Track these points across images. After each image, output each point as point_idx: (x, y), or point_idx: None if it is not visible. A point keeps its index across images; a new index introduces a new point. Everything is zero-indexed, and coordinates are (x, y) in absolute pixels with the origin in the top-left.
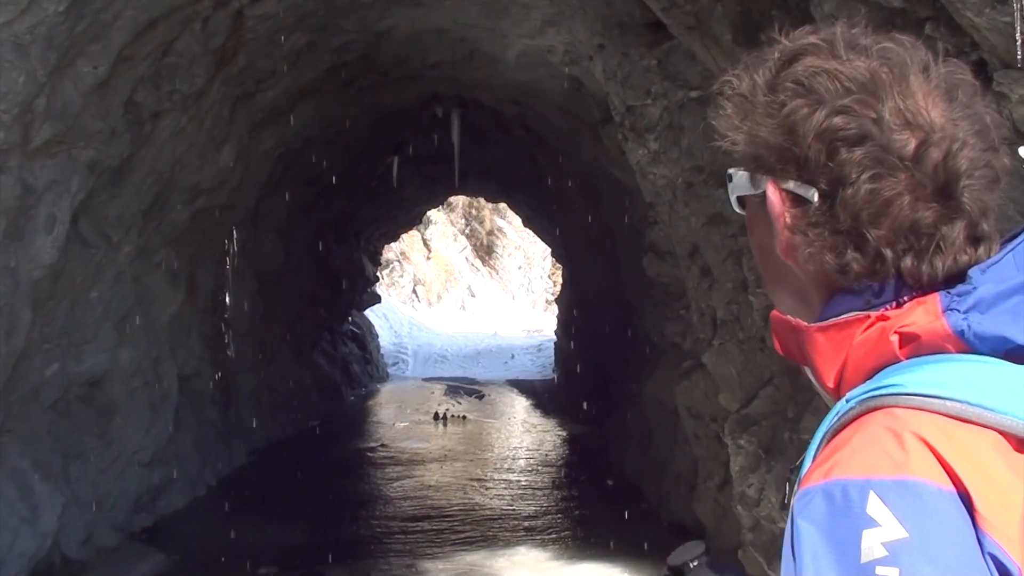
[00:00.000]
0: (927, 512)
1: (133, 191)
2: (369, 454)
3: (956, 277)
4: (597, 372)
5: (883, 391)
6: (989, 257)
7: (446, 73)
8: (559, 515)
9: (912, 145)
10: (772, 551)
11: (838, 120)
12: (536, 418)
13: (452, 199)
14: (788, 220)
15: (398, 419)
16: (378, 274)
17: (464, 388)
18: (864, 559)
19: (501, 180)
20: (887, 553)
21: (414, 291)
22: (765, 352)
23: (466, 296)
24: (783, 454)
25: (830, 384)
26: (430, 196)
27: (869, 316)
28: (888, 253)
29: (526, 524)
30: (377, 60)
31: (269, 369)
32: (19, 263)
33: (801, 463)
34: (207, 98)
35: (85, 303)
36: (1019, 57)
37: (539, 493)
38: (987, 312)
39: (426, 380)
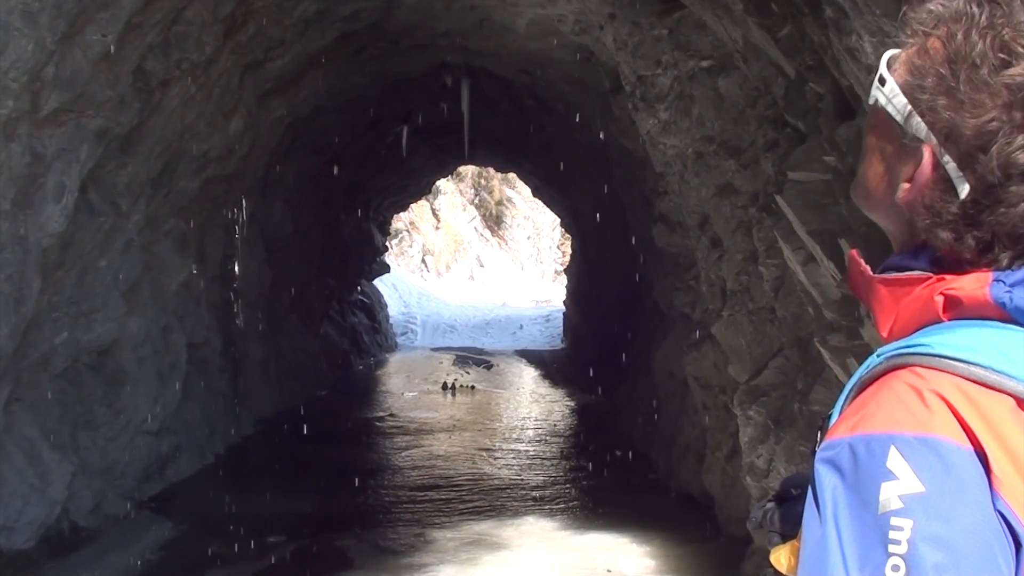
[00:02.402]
0: (945, 468)
1: (142, 160)
2: (377, 424)
3: None
4: (606, 342)
5: (911, 349)
6: None
7: (456, 42)
8: (567, 485)
9: None
10: None
11: (1017, 143)
12: (544, 388)
13: (461, 169)
14: (928, 198)
15: (407, 389)
16: (387, 244)
17: (473, 358)
18: (881, 510)
19: (510, 150)
20: (903, 505)
21: (423, 261)
22: (775, 323)
23: (475, 266)
24: (792, 425)
25: (884, 334)
26: (439, 166)
27: (930, 277)
28: (1002, 254)
29: (534, 494)
30: (387, 28)
31: (278, 338)
32: (28, 231)
33: (830, 414)
34: (216, 66)
35: (94, 271)
36: None
37: (547, 463)
38: None
39: (435, 350)
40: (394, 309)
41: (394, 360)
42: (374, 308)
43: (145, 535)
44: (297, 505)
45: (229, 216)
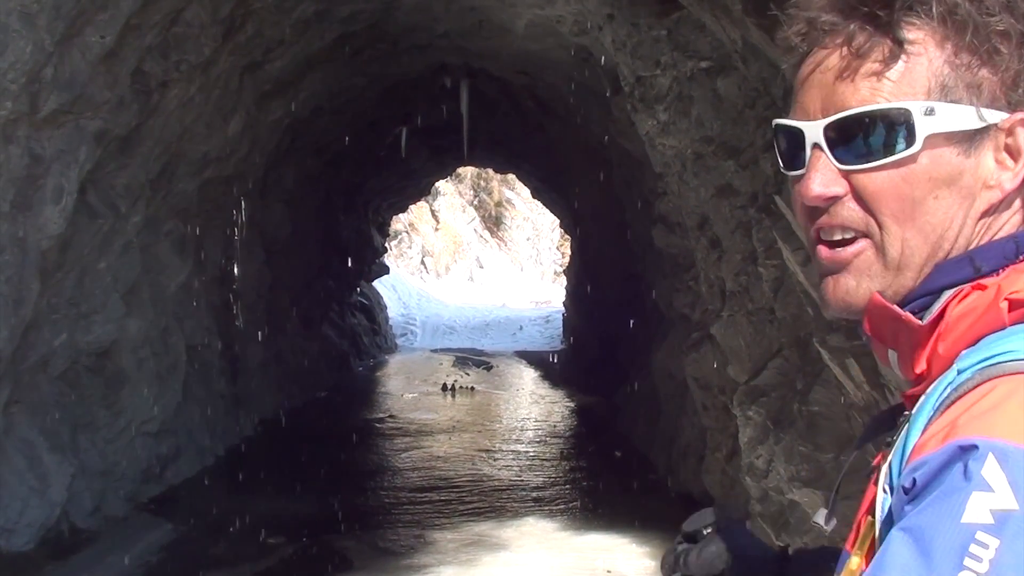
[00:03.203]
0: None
1: (141, 161)
2: (377, 425)
3: None
4: (605, 343)
5: (1002, 358)
6: None
7: (455, 43)
8: (567, 486)
9: None
10: (780, 522)
11: None
12: (544, 389)
13: (460, 170)
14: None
15: (406, 390)
16: (386, 245)
17: (472, 359)
18: (966, 519)
19: (510, 151)
20: (992, 521)
21: (422, 262)
22: (774, 324)
23: (474, 267)
24: (791, 425)
25: (919, 370)
26: (438, 167)
27: (962, 289)
28: None
29: (534, 495)
30: (386, 30)
31: (277, 340)
32: (27, 233)
33: (896, 437)
34: (215, 68)
35: (93, 273)
36: None
37: (547, 464)
38: None
39: (434, 351)
40: (393, 310)
41: (394, 361)
42: (373, 309)
43: (145, 537)
44: (297, 506)
45: (228, 218)
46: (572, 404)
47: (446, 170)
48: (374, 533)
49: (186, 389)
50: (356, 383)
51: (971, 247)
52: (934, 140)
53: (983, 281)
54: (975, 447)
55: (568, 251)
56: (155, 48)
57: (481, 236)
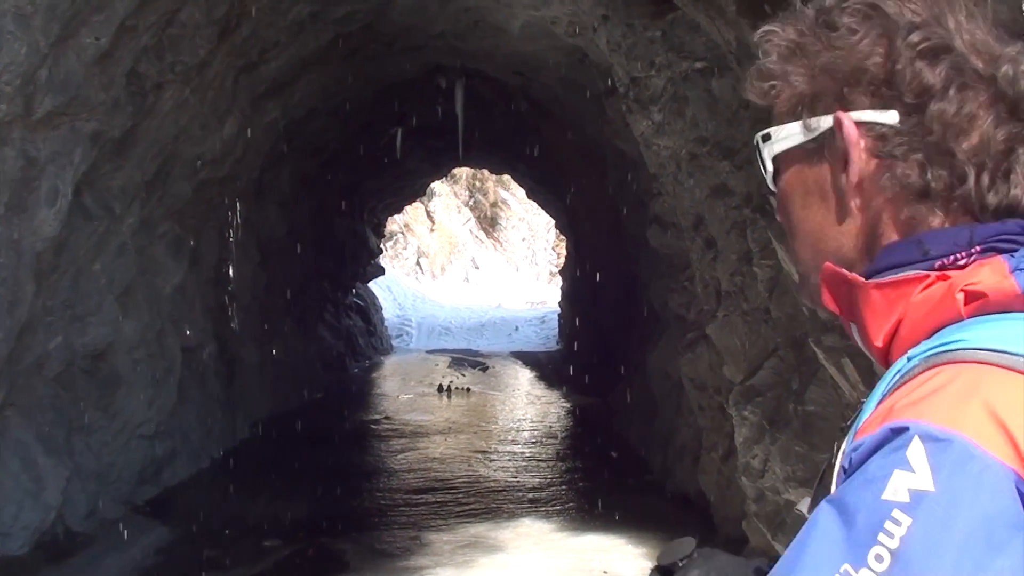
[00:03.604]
0: (966, 475)
1: (136, 163)
2: (373, 426)
3: (1012, 211)
4: (601, 344)
5: (948, 347)
6: None
7: (450, 44)
8: (563, 487)
9: (983, 61)
10: (776, 522)
11: (916, 35)
12: (540, 390)
13: (456, 171)
14: (868, 143)
15: (402, 391)
16: (382, 246)
17: (468, 360)
18: (886, 496)
19: (505, 152)
20: (908, 500)
21: (418, 263)
22: (769, 323)
23: (470, 268)
24: (787, 425)
25: (878, 343)
26: (434, 168)
27: (929, 275)
28: (970, 172)
29: (530, 496)
30: (381, 30)
31: (273, 341)
32: (22, 235)
33: (851, 423)
34: (210, 69)
35: (88, 275)
36: None
37: (543, 465)
38: None
39: (430, 352)
40: (389, 311)
41: (389, 363)
42: (369, 311)
43: (140, 539)
44: (293, 508)
45: (223, 219)
46: (568, 405)
47: (441, 171)
48: (370, 535)
49: (181, 391)
50: (352, 384)
51: (883, 238)
52: (785, 159)
53: (948, 272)
54: (905, 429)
55: (563, 252)
56: (150, 49)
57: (476, 237)
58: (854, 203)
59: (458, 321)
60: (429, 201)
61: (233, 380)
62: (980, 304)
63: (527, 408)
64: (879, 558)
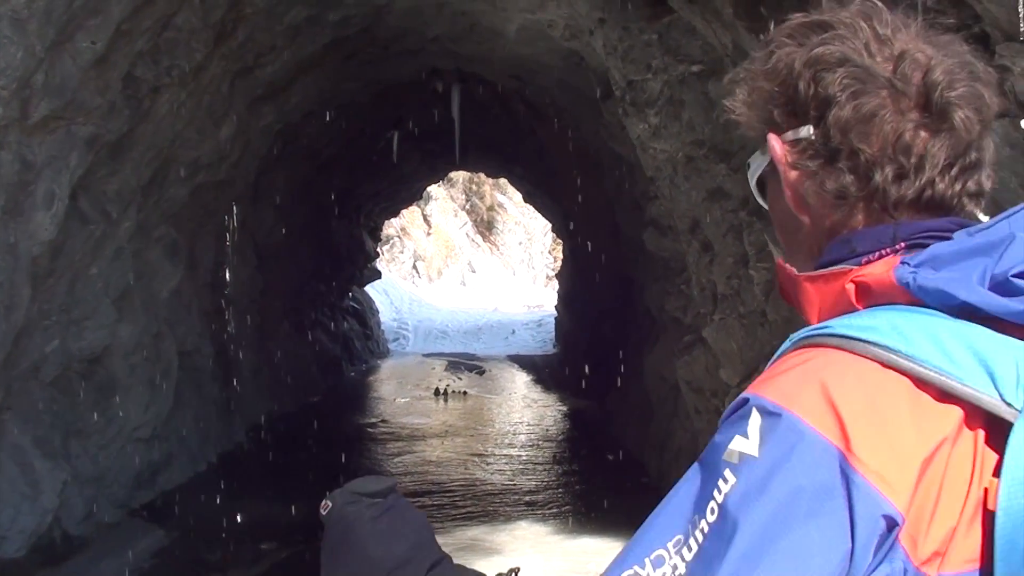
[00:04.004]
0: (787, 447)
1: (132, 167)
2: (370, 430)
3: (938, 206)
4: (598, 347)
5: (815, 331)
6: (978, 191)
7: (446, 47)
8: (560, 490)
9: (891, 64)
10: None
11: (820, 50)
12: (537, 393)
13: (452, 174)
14: (789, 159)
15: (399, 395)
16: (378, 250)
17: (465, 364)
18: (724, 456)
19: (501, 155)
20: (737, 462)
21: (414, 267)
22: (766, 326)
23: (467, 272)
24: None
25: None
26: (430, 171)
27: (851, 270)
28: (877, 170)
29: (527, 499)
30: (377, 34)
31: (269, 345)
32: (18, 239)
33: None
34: (206, 73)
35: (85, 279)
36: (1022, 29)
37: (540, 468)
38: (941, 269)
39: (427, 356)
40: (385, 315)
41: (386, 366)
42: (365, 314)
43: (137, 543)
44: (290, 512)
45: (220, 223)
46: (564, 408)
47: (438, 174)
48: None
49: (178, 395)
50: (348, 388)
51: (825, 240)
52: (766, 179)
53: (865, 268)
54: (748, 400)
55: (560, 255)
56: (146, 53)
57: (473, 240)
58: (798, 212)
59: (455, 325)
60: (425, 205)
61: (230, 384)
62: (866, 295)
63: (524, 411)
64: (712, 511)
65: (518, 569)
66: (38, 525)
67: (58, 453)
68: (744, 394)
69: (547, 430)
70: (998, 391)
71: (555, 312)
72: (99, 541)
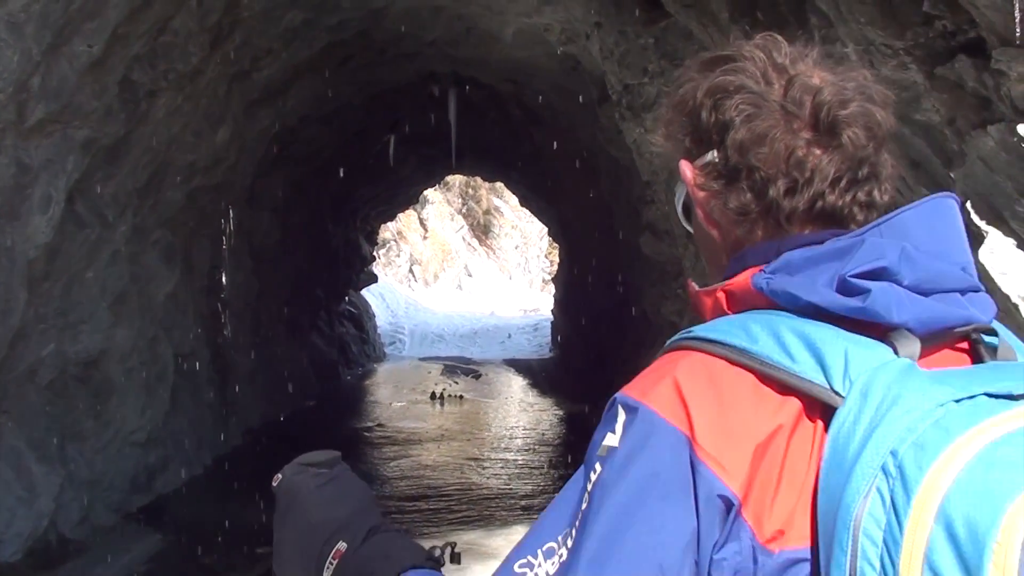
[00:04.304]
0: (642, 436)
1: (128, 170)
2: (366, 434)
3: (829, 217)
4: (594, 351)
5: (680, 336)
6: (869, 202)
7: (443, 51)
8: (556, 494)
9: (784, 88)
10: None
11: (719, 80)
12: (533, 397)
13: (449, 178)
14: (698, 181)
15: (395, 399)
16: (375, 254)
17: (461, 368)
18: (597, 452)
19: (498, 159)
20: (604, 454)
21: (411, 271)
22: None
23: (463, 276)
24: None
25: None
26: (427, 175)
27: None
28: (771, 186)
29: (523, 503)
30: (374, 38)
31: (265, 349)
32: (14, 242)
33: None
34: (203, 76)
35: (81, 283)
36: (1018, 34)
37: (536, 472)
38: (795, 274)
39: (423, 360)
40: (382, 319)
41: (382, 370)
42: (362, 318)
43: (133, 547)
44: None
45: (216, 226)
46: (560, 412)
47: (434, 178)
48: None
49: (174, 399)
50: (344, 392)
51: (731, 256)
52: (690, 204)
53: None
54: (615, 400)
55: (556, 259)
56: (143, 57)
57: (469, 244)
58: (709, 229)
59: (451, 328)
60: (422, 208)
61: (226, 387)
62: (734, 302)
63: (520, 415)
64: (585, 500)
65: (454, 544)
66: (34, 529)
67: (54, 457)
68: (617, 393)
69: (543, 434)
70: (828, 382)
71: (551, 316)
72: (95, 545)
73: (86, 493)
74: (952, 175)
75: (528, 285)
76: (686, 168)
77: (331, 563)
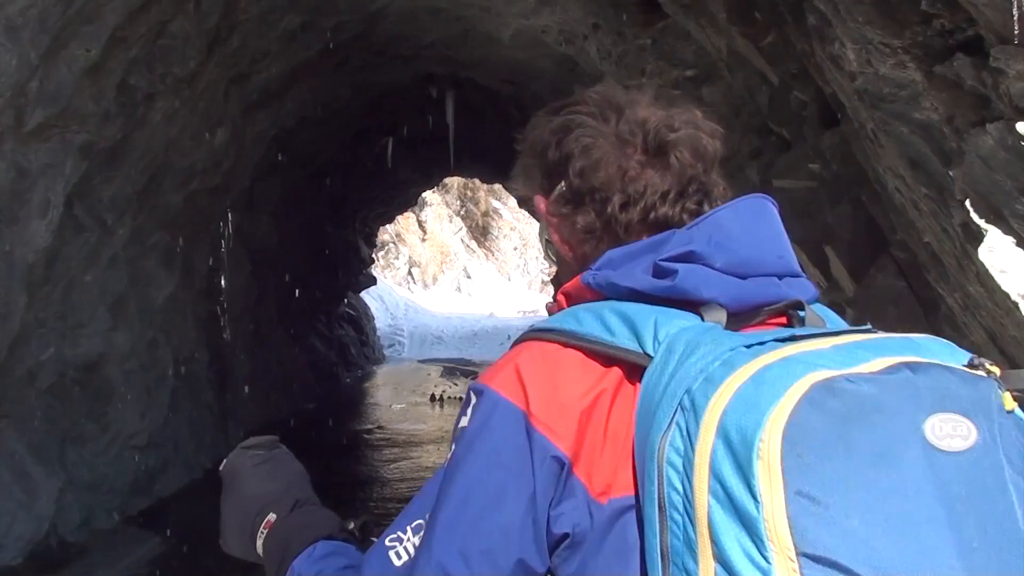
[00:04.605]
0: (486, 414)
1: (127, 174)
2: (366, 436)
3: (663, 225)
4: None
5: (525, 332)
6: (698, 211)
7: (441, 53)
8: None
9: (616, 120)
10: None
11: (560, 120)
12: None
13: (447, 180)
14: (550, 210)
15: (394, 401)
16: (373, 256)
17: (460, 369)
18: (455, 435)
19: (496, 161)
20: (460, 434)
21: (410, 273)
22: None
23: (462, 278)
24: None
25: None
26: (425, 177)
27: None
28: (609, 203)
29: None
30: (371, 40)
31: (265, 351)
32: (14, 247)
33: None
34: (201, 80)
35: (80, 286)
36: (1016, 32)
37: None
38: (618, 268)
39: (422, 362)
40: (381, 321)
41: (381, 372)
42: (361, 320)
43: (134, 550)
44: None
45: (215, 230)
46: None
47: (433, 180)
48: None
49: (173, 402)
50: (344, 394)
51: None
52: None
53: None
54: (470, 388)
55: None
56: (140, 61)
57: (468, 246)
58: (562, 251)
59: (450, 330)
60: (420, 211)
61: (225, 390)
62: (570, 300)
63: None
64: (443, 473)
65: (368, 519)
66: (34, 532)
67: (54, 460)
68: (472, 382)
69: None
70: (641, 347)
71: None
72: (96, 548)
73: (86, 496)
74: (951, 173)
75: (527, 287)
76: (540, 201)
77: (263, 532)
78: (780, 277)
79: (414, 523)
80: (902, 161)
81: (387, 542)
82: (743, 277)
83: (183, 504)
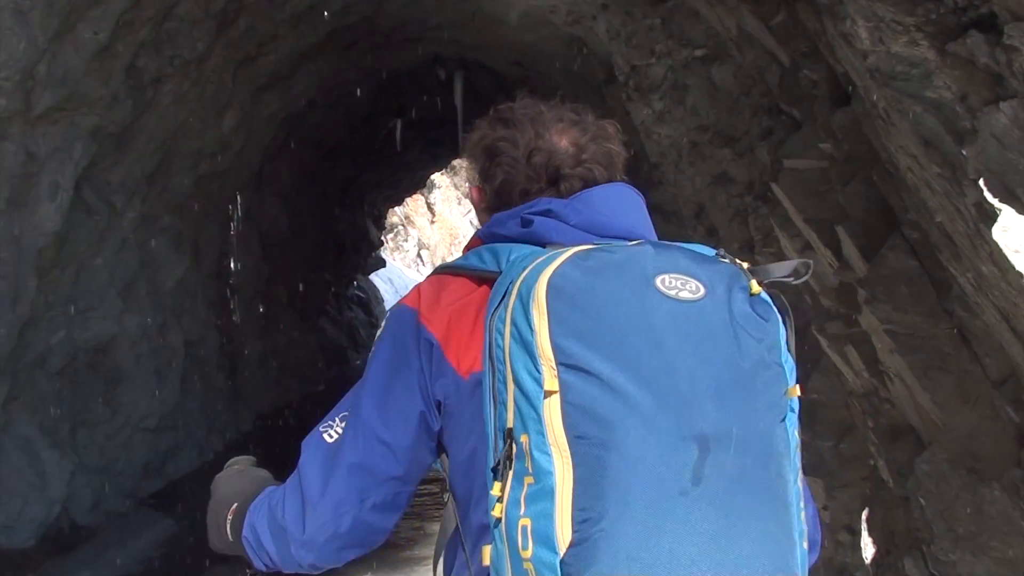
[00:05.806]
0: (393, 319)
1: (136, 157)
2: None
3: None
4: None
5: (435, 269)
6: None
7: (448, 35)
8: None
9: (527, 153)
10: None
11: (495, 143)
12: None
13: (456, 162)
14: (475, 196)
15: None
16: (382, 238)
17: None
18: (379, 331)
19: None
20: (376, 337)
21: (419, 255)
22: None
23: None
24: None
25: None
26: (433, 159)
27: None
28: (502, 195)
29: None
30: (379, 22)
31: (275, 334)
32: (23, 231)
33: None
34: (209, 63)
35: (90, 270)
36: None
37: None
38: (499, 225)
39: None
40: (390, 303)
41: None
42: (370, 303)
43: (145, 532)
44: None
45: (224, 213)
46: None
47: (441, 163)
48: None
49: (184, 385)
50: (354, 376)
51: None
52: None
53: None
54: (394, 304)
55: None
56: (148, 44)
57: (476, 228)
58: (481, 221)
59: None
60: (429, 193)
61: (235, 373)
62: (468, 246)
63: None
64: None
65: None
66: (46, 515)
67: (66, 443)
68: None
69: None
70: (498, 267)
71: None
72: (107, 531)
73: (98, 479)
74: (964, 152)
75: None
76: (473, 191)
77: (228, 519)
78: (628, 239)
79: (341, 414)
80: (914, 140)
81: (320, 428)
82: (599, 236)
83: (194, 486)
